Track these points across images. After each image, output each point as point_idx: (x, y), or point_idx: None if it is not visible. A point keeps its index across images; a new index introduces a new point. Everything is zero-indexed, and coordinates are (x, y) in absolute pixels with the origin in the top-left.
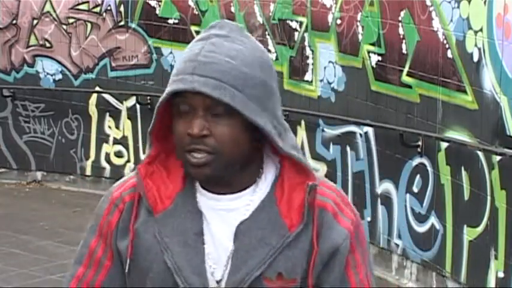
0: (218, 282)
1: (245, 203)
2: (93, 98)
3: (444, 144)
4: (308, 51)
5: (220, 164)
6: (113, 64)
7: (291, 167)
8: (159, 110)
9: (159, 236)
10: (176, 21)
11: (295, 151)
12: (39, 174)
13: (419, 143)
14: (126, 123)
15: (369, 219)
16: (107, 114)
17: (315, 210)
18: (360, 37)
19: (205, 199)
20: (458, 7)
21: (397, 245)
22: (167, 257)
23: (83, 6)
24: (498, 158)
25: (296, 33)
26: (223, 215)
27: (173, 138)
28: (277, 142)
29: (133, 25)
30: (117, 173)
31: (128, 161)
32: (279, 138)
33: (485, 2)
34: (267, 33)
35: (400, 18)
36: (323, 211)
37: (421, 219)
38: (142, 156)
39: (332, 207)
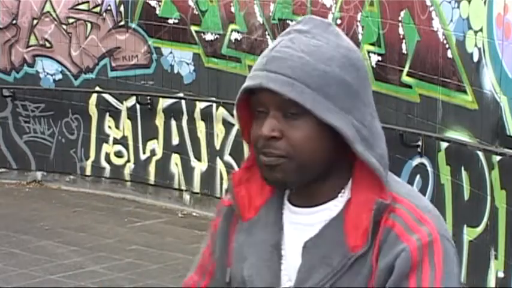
0: None
1: (322, 218)
2: (93, 98)
3: (444, 144)
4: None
5: (293, 169)
6: (113, 64)
7: (366, 180)
8: (238, 111)
9: (241, 245)
10: (176, 21)
11: (377, 160)
12: (39, 174)
13: (420, 143)
14: (126, 123)
15: None
16: (107, 114)
17: (381, 230)
18: (360, 37)
19: (288, 212)
20: (458, 7)
21: None
22: (245, 266)
23: (83, 6)
24: (498, 158)
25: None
26: (300, 229)
27: None
28: (356, 146)
29: (133, 25)
30: (117, 173)
31: (128, 161)
32: (360, 143)
33: (485, 2)
34: (267, 33)
35: (400, 18)
36: (389, 231)
37: None
38: (143, 156)
39: (399, 225)
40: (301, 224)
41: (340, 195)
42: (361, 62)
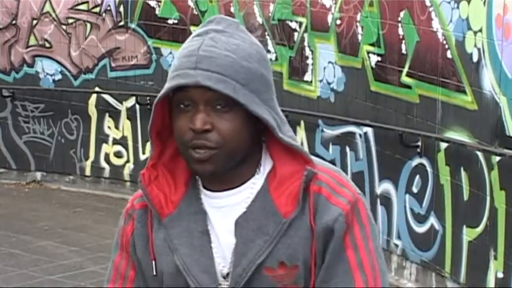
0: (225, 277)
1: (245, 196)
2: (93, 98)
3: (444, 145)
4: (308, 52)
5: (223, 159)
6: (113, 64)
7: (286, 157)
8: (156, 107)
9: (168, 238)
10: (176, 21)
11: (294, 141)
12: (38, 175)
13: (419, 143)
14: (125, 124)
15: None
16: (107, 114)
17: (311, 195)
18: (360, 37)
19: (207, 198)
20: (457, 7)
21: (397, 246)
22: (177, 258)
23: (83, 7)
24: (497, 158)
25: (296, 34)
26: (226, 212)
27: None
28: (277, 133)
29: (132, 25)
30: (117, 173)
31: (128, 161)
32: (278, 130)
33: (484, 3)
34: (266, 33)
35: (399, 19)
36: (318, 195)
37: (421, 219)
38: (142, 157)
39: (326, 190)
40: (227, 206)
41: (256, 175)
42: (266, 54)
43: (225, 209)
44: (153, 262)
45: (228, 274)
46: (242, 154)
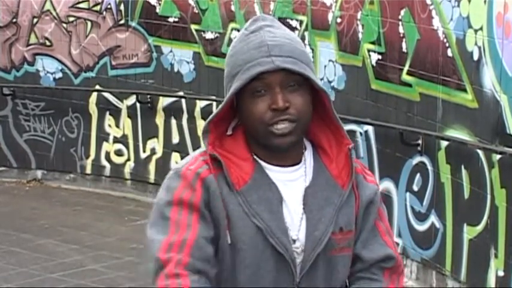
0: (294, 241)
1: (301, 173)
2: (93, 96)
3: (444, 143)
4: (308, 50)
5: (300, 131)
6: (113, 63)
7: (329, 135)
8: (229, 99)
9: (246, 204)
10: (176, 19)
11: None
12: (39, 173)
13: (420, 141)
14: (126, 122)
15: None
16: (107, 112)
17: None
18: (360, 36)
19: (271, 172)
20: (458, 6)
21: (397, 244)
22: (258, 221)
23: (83, 5)
24: (498, 156)
25: (296, 32)
26: (289, 184)
27: (225, 125)
28: (332, 108)
29: (133, 24)
30: (117, 171)
31: (128, 159)
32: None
33: (485, 1)
34: None
35: (400, 17)
36: (356, 173)
37: (421, 217)
38: (143, 155)
39: (360, 169)
40: (289, 180)
41: (305, 152)
42: None
43: (288, 182)
44: (227, 231)
45: (295, 240)
46: (307, 128)
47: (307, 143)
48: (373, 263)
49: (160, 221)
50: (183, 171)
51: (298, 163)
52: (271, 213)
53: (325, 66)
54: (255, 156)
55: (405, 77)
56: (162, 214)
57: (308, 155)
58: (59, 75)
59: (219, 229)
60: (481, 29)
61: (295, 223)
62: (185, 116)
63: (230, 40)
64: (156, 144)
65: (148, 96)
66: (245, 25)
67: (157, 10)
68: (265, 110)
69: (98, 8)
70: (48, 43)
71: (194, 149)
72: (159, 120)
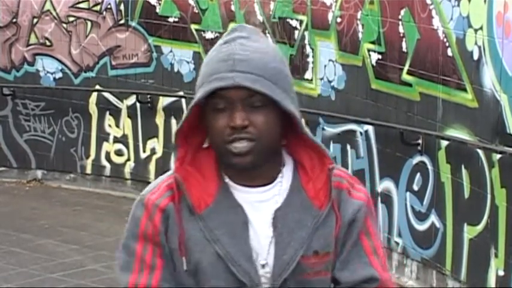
0: (263, 266)
1: (274, 193)
2: (94, 96)
3: (444, 143)
4: (308, 50)
5: (260, 151)
6: (113, 63)
7: (308, 154)
8: (192, 111)
9: (206, 229)
10: (176, 19)
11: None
12: (39, 173)
13: (420, 141)
14: (126, 122)
15: None
16: (107, 112)
17: (333, 189)
18: (360, 35)
19: (238, 192)
20: (458, 5)
21: (398, 244)
22: (218, 247)
23: (83, 5)
24: (498, 156)
25: (296, 32)
26: (258, 206)
27: (201, 136)
28: (304, 129)
29: (133, 23)
30: (117, 171)
31: (128, 159)
32: (303, 126)
33: (485, 1)
34: (267, 31)
35: (400, 17)
36: (340, 190)
37: (421, 217)
38: (143, 155)
39: (346, 185)
40: (257, 201)
41: (280, 173)
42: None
43: (256, 204)
44: (183, 258)
45: (264, 265)
46: (274, 149)
47: (288, 160)
48: (352, 285)
49: (127, 253)
50: (145, 200)
51: (270, 182)
52: (233, 238)
53: (325, 66)
54: (224, 175)
55: (405, 76)
56: (128, 247)
57: (287, 173)
58: (59, 75)
59: (175, 258)
60: (481, 28)
61: (264, 247)
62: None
63: None
64: (156, 144)
65: (149, 96)
66: (224, 33)
67: (157, 10)
68: (224, 127)
69: (98, 8)
70: (48, 43)
71: None
72: (159, 120)
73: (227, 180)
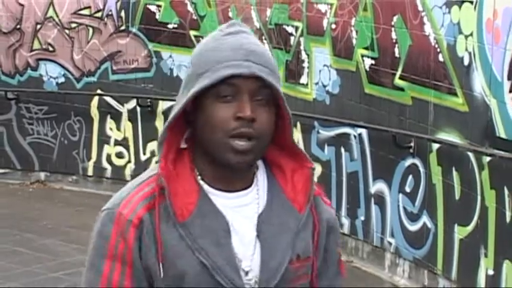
0: (247, 273)
1: (253, 197)
2: (95, 100)
3: (436, 146)
4: (304, 55)
5: (259, 151)
6: (114, 67)
7: (287, 157)
8: (189, 100)
9: (189, 238)
10: (175, 26)
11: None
12: (42, 175)
13: (412, 144)
14: (126, 125)
15: (362, 218)
16: (108, 116)
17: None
18: (354, 41)
19: (216, 198)
20: (449, 12)
21: (390, 243)
22: (203, 257)
23: (85, 12)
24: (488, 158)
25: (292, 38)
26: (239, 211)
27: (180, 135)
28: (292, 132)
29: (133, 30)
30: (118, 173)
31: (129, 161)
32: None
33: (475, 8)
34: (263, 37)
35: (392, 23)
36: (315, 194)
37: (413, 218)
38: (143, 157)
39: (318, 190)
40: (237, 206)
41: (255, 177)
42: None
43: (237, 209)
44: (160, 265)
45: (248, 271)
46: (265, 150)
47: (259, 162)
48: None
49: (93, 271)
50: (116, 215)
51: (248, 186)
52: (218, 246)
53: (320, 71)
54: (198, 178)
55: (398, 81)
56: (95, 265)
57: (261, 176)
58: (62, 79)
59: (153, 273)
60: (471, 35)
61: (248, 253)
62: None
63: None
64: (156, 147)
65: (148, 100)
66: (220, 27)
67: (157, 17)
68: (228, 118)
69: (99, 14)
70: (51, 49)
71: None
72: (159, 123)
73: (203, 184)
